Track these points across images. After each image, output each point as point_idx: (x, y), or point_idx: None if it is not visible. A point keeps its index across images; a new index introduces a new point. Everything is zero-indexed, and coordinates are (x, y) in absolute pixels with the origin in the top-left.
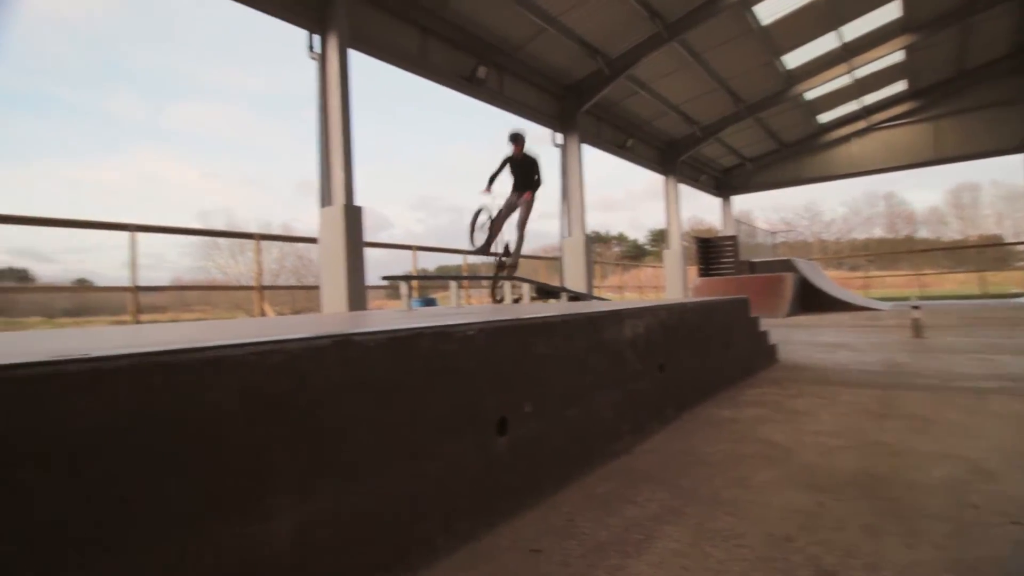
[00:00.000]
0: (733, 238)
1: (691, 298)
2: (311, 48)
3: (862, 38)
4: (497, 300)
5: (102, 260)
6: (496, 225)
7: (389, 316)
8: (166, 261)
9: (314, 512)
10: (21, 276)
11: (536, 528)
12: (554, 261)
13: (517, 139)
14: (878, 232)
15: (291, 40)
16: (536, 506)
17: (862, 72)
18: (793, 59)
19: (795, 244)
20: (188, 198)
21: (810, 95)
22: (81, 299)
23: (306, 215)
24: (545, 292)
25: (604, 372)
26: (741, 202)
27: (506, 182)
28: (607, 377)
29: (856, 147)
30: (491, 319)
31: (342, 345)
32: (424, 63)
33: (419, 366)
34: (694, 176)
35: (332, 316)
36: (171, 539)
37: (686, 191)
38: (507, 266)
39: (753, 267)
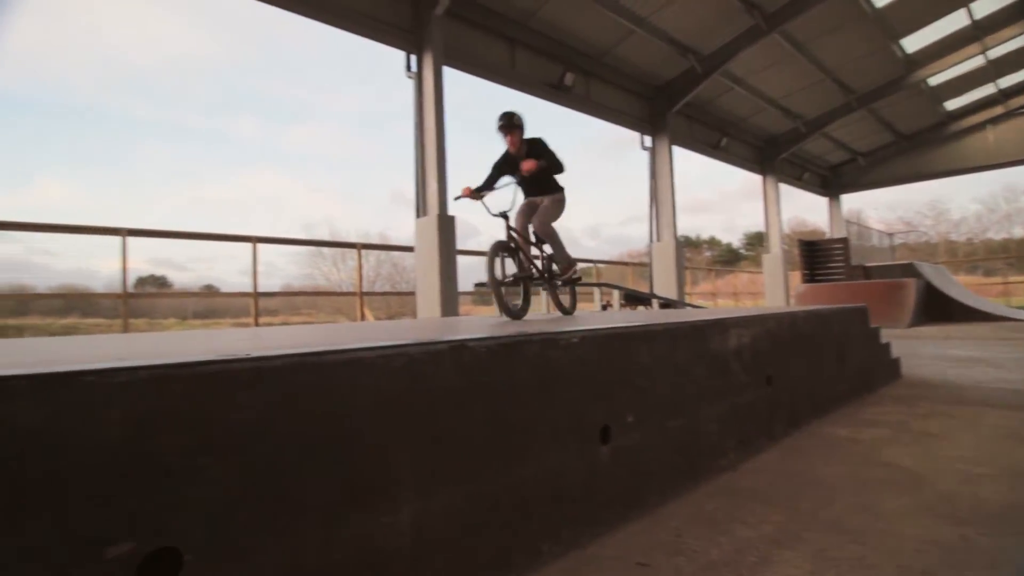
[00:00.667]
0: (843, 240)
1: (797, 306)
2: (408, 68)
3: (997, 14)
4: (566, 311)
5: (224, 268)
6: (524, 252)
7: (488, 323)
8: (277, 269)
9: (430, 508)
10: (160, 283)
11: (642, 541)
12: (642, 267)
13: (510, 124)
14: (1020, 231)
15: (389, 61)
16: (640, 518)
17: (998, 52)
18: (913, 42)
19: (917, 246)
20: (296, 211)
21: (934, 80)
22: (208, 303)
23: (400, 224)
24: (634, 299)
25: (708, 384)
26: (851, 201)
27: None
28: (711, 389)
29: (992, 136)
30: (593, 327)
31: (457, 350)
32: (512, 73)
33: (525, 372)
34: (796, 174)
35: (432, 321)
36: (317, 525)
37: (787, 191)
38: (563, 275)
39: (867, 272)
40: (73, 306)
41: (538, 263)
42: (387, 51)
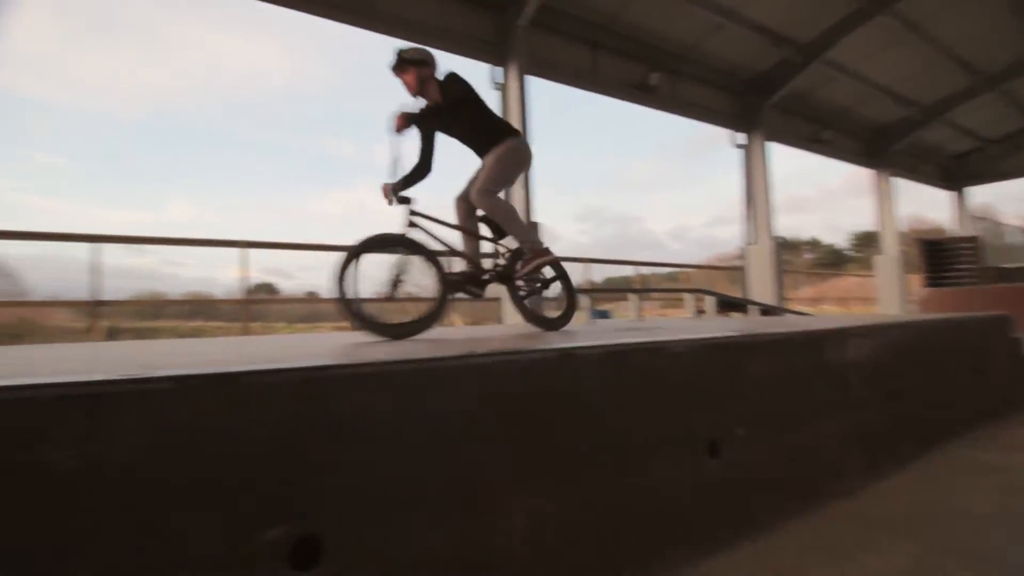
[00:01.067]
0: (973, 239)
1: (922, 313)
2: (493, 80)
3: None
4: (545, 322)
5: (324, 276)
6: (466, 248)
7: (585, 330)
8: (368, 276)
9: (540, 513)
10: (270, 289)
11: (758, 565)
12: (734, 271)
13: (400, 62)
14: None
15: (473, 74)
16: (754, 540)
17: None
18: None
19: None
20: (387, 222)
21: None
22: (311, 308)
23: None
24: (729, 305)
25: (825, 398)
26: (980, 194)
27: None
28: (828, 404)
29: None
30: (701, 336)
31: (566, 358)
32: (595, 77)
33: (631, 381)
34: (911, 167)
35: (523, 327)
36: (436, 522)
37: (902, 185)
38: (526, 267)
39: (1004, 274)
40: (198, 311)
41: (485, 260)
42: (471, 65)
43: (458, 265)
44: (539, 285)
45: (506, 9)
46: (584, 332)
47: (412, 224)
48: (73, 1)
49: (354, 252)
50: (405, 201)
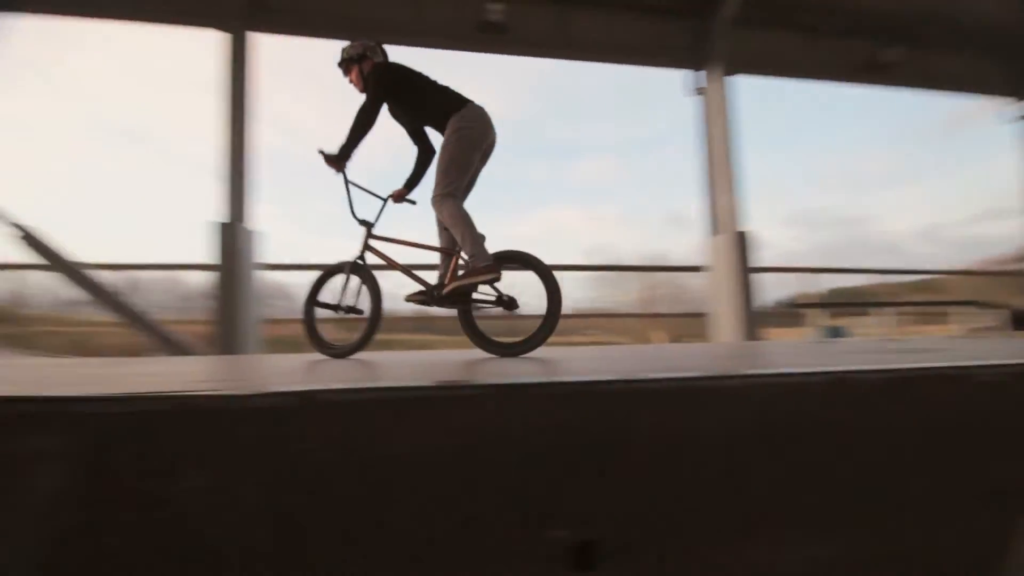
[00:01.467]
0: None
1: None
2: (689, 85)
3: None
4: (488, 344)
5: (525, 294)
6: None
7: (839, 351)
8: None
9: (821, 553)
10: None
11: None
12: (1019, 278)
13: (343, 60)
14: None
15: (657, 85)
16: None
17: None
18: None
19: None
20: (577, 240)
21: None
22: (510, 325)
23: (677, 244)
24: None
25: None
26: None
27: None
28: None
29: None
30: (1016, 361)
31: (836, 384)
32: (808, 65)
33: (918, 415)
34: None
35: (749, 345)
36: (709, 543)
37: None
38: (452, 283)
39: None
40: (424, 326)
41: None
42: (669, 74)
43: (425, 283)
44: (482, 304)
45: (702, 12)
46: (846, 353)
47: (369, 247)
48: (328, 80)
49: (318, 281)
50: (366, 224)
